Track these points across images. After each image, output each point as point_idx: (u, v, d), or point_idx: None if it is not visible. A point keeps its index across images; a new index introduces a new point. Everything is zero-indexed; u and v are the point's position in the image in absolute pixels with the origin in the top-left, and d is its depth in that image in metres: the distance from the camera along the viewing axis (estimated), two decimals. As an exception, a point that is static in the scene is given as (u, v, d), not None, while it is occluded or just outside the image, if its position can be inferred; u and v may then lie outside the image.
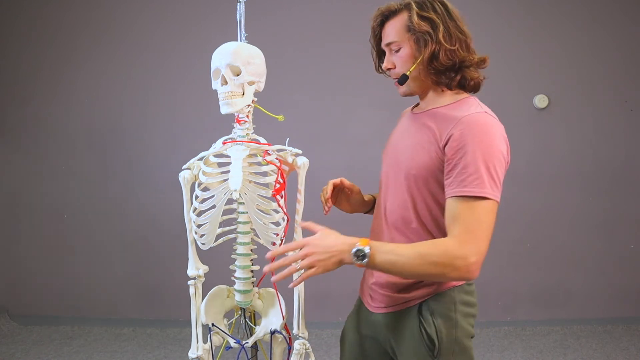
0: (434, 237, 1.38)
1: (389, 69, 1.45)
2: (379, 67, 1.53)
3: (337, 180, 1.60)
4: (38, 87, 3.91)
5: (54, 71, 3.90)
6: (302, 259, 1.22)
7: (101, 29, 3.87)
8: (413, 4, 1.38)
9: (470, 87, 1.42)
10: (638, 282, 3.88)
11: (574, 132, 3.81)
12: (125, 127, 3.91)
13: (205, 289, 1.59)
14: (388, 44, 1.43)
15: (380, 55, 1.51)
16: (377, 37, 1.48)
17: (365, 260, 1.21)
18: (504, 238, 3.84)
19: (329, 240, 1.23)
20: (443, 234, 1.33)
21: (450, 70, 1.37)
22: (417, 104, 1.53)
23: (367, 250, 1.21)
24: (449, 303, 1.41)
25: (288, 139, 1.51)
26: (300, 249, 1.23)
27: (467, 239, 1.23)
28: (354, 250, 1.21)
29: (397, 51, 1.41)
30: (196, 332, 1.52)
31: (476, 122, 1.29)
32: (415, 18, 1.35)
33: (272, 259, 1.27)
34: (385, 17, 1.43)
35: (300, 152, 1.50)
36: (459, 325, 1.41)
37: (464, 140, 1.26)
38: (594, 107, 3.80)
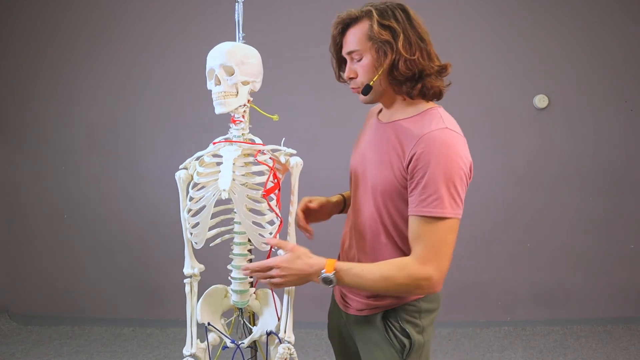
0: (402, 252, 1.41)
1: (351, 78, 1.42)
2: (339, 76, 1.51)
3: (302, 205, 1.64)
4: (38, 87, 3.92)
5: (54, 71, 3.90)
6: (273, 278, 1.35)
7: (101, 29, 3.87)
8: (374, 11, 1.34)
9: (431, 95, 1.39)
10: (638, 282, 3.87)
11: (574, 132, 3.80)
12: (125, 126, 3.91)
13: (204, 288, 1.59)
14: (349, 53, 1.40)
15: (340, 63, 1.49)
16: (338, 46, 1.45)
17: (333, 284, 1.32)
18: (504, 238, 3.84)
19: (297, 265, 1.33)
20: (409, 249, 1.37)
21: (410, 80, 1.35)
22: (381, 109, 1.53)
23: (332, 276, 1.30)
24: (415, 312, 1.46)
25: (284, 139, 1.51)
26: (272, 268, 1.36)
27: (429, 258, 1.29)
28: (320, 277, 1.32)
29: (359, 60, 1.39)
30: (191, 330, 1.52)
31: (437, 140, 1.28)
32: (375, 27, 1.32)
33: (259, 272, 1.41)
34: (347, 24, 1.41)
35: (294, 152, 1.49)
36: (426, 330, 1.47)
37: (425, 160, 1.27)
38: (594, 107, 3.79)
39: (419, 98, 1.39)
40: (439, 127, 1.31)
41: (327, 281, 1.31)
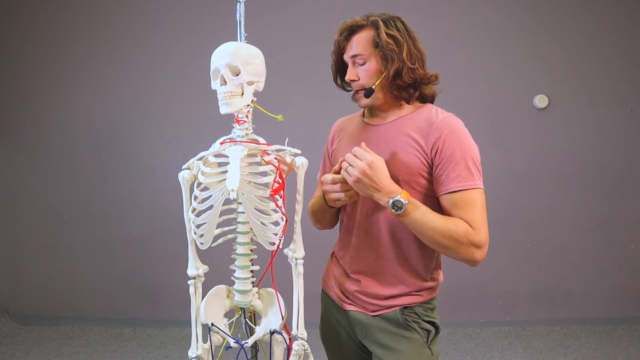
0: (422, 247, 1.47)
1: (353, 81, 1.49)
2: (337, 79, 1.58)
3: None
4: (38, 87, 3.92)
5: (54, 71, 3.90)
6: (353, 170, 1.34)
7: (101, 29, 3.87)
8: (380, 21, 1.43)
9: (425, 101, 1.53)
10: (638, 282, 3.88)
11: (574, 132, 3.81)
12: (125, 127, 3.91)
13: (206, 288, 1.59)
14: (354, 56, 1.47)
15: (339, 68, 1.55)
16: (341, 50, 1.52)
17: (400, 212, 1.33)
18: (504, 238, 3.85)
19: (381, 175, 1.34)
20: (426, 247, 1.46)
21: (410, 87, 1.46)
22: (362, 114, 1.63)
23: (404, 202, 1.32)
24: (430, 310, 1.54)
25: (287, 138, 1.51)
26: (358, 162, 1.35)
27: (477, 225, 1.35)
28: (392, 200, 1.33)
29: (362, 64, 1.46)
30: (196, 331, 1.52)
31: (452, 124, 1.41)
32: (383, 35, 1.41)
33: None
34: (352, 31, 1.47)
35: (299, 152, 1.49)
36: (438, 322, 1.55)
37: (449, 141, 1.38)
38: (594, 107, 3.80)
39: (415, 102, 1.52)
40: (446, 115, 1.44)
41: (397, 206, 1.32)
